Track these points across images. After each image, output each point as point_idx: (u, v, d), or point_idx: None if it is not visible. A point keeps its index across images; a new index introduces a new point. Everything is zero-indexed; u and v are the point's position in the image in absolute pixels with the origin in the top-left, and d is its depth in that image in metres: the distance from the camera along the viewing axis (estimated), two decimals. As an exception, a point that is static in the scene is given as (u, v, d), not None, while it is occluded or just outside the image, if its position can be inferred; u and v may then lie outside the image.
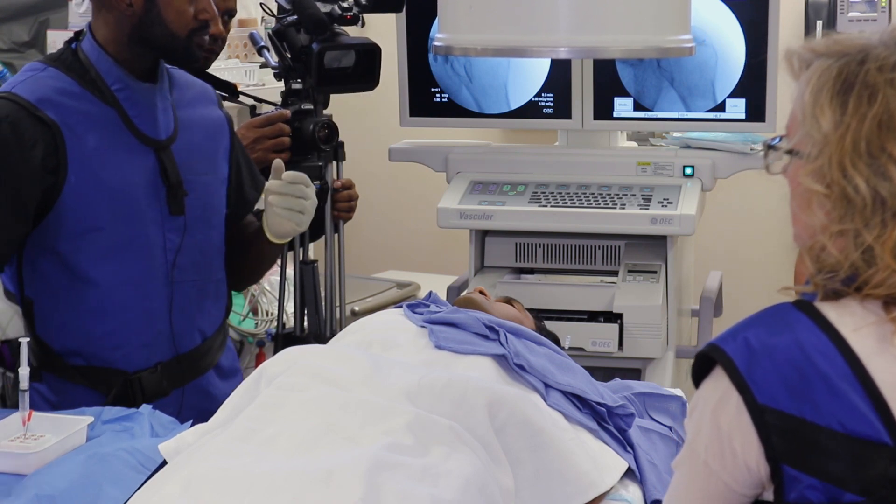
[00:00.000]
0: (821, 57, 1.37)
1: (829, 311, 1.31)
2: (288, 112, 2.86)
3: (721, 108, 3.25)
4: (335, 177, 3.02)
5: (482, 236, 3.31)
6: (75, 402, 2.22)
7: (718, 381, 1.33)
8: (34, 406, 2.25)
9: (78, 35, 2.33)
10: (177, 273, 2.33)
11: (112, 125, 2.26)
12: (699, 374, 1.37)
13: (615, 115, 3.32)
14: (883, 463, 1.25)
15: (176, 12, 2.25)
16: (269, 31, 2.96)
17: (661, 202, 3.10)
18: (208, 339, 2.43)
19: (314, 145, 2.89)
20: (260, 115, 2.81)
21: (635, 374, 3.09)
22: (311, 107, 2.92)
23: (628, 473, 2.00)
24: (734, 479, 1.33)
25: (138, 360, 2.30)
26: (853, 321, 1.30)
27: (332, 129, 2.94)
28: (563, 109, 3.34)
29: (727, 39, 3.21)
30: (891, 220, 1.31)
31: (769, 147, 1.43)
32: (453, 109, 3.41)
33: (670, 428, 2.19)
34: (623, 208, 3.10)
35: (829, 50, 1.37)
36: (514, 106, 3.38)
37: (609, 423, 2.03)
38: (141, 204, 2.28)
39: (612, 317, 3.07)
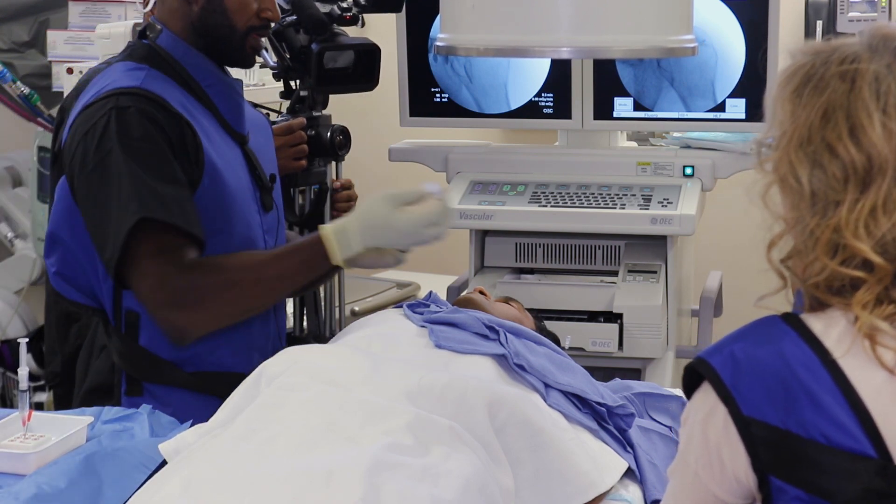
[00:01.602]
0: (805, 55, 1.38)
1: (815, 323, 1.31)
2: (304, 119, 2.87)
3: (721, 108, 3.25)
4: (334, 177, 3.03)
5: (482, 236, 3.31)
6: (189, 409, 2.13)
7: (706, 394, 1.33)
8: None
9: (144, 32, 2.26)
10: None
11: (210, 122, 2.21)
12: (689, 386, 1.37)
13: (615, 115, 3.32)
14: (867, 475, 1.25)
15: (238, 3, 2.21)
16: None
17: (661, 202, 3.10)
18: (289, 337, 2.45)
19: (332, 151, 2.92)
20: (275, 123, 2.81)
21: (635, 374, 3.09)
22: (320, 113, 2.94)
23: (628, 473, 1.99)
24: (723, 489, 1.34)
25: (250, 362, 2.22)
26: (838, 333, 1.30)
27: (347, 134, 2.97)
28: (563, 109, 3.33)
29: (727, 39, 3.21)
30: (832, 208, 1.31)
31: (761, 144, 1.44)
32: (453, 109, 3.41)
33: (670, 428, 2.19)
34: (623, 208, 3.10)
35: (812, 48, 1.38)
36: (514, 106, 3.38)
37: (609, 423, 2.03)
38: (248, 204, 2.23)
39: (612, 317, 3.07)
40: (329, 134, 2.91)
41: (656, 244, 3.17)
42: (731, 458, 1.31)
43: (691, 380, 1.36)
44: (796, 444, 1.27)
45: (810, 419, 1.26)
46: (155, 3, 2.37)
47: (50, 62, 3.95)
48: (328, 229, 2.13)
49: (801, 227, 1.33)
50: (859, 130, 1.30)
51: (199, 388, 2.20)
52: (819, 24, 3.88)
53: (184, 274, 2.10)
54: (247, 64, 2.31)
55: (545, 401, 1.97)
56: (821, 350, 1.29)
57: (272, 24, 2.28)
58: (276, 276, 2.14)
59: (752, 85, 3.21)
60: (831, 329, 1.30)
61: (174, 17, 2.23)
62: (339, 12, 2.86)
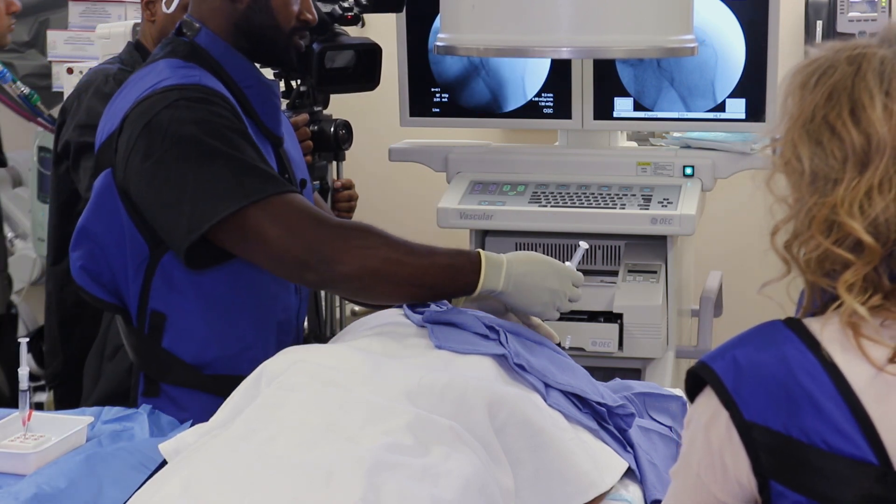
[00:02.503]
0: (822, 49, 1.38)
1: (818, 327, 1.31)
2: (307, 115, 2.88)
3: (721, 108, 3.25)
4: (335, 177, 3.03)
5: (482, 236, 3.31)
6: (206, 412, 2.02)
7: (709, 399, 1.34)
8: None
9: (182, 30, 2.20)
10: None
11: (248, 123, 2.16)
12: (692, 390, 1.37)
13: (615, 115, 3.33)
14: (868, 482, 1.25)
15: (283, 3, 2.17)
16: (269, 31, 2.96)
17: (661, 202, 3.10)
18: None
19: (335, 145, 2.92)
20: None
21: (635, 374, 3.09)
22: (320, 108, 2.95)
23: (628, 473, 1.99)
24: (726, 492, 1.34)
25: None
26: (840, 338, 1.30)
27: (349, 128, 2.98)
28: (563, 109, 3.34)
29: (727, 39, 3.22)
30: (830, 187, 1.31)
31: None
32: (453, 109, 3.42)
33: (670, 428, 2.18)
34: (623, 208, 3.10)
35: (831, 45, 1.38)
36: (514, 106, 3.38)
37: (609, 423, 2.03)
38: None
39: (612, 317, 3.07)
40: (332, 128, 2.92)
41: (656, 244, 3.17)
42: (734, 462, 1.31)
43: (694, 383, 1.36)
44: (797, 449, 1.27)
45: (812, 425, 1.26)
46: (178, 3, 2.34)
47: (50, 62, 3.96)
48: (481, 251, 2.10)
49: (799, 206, 1.34)
50: (860, 110, 1.31)
51: (217, 392, 2.13)
52: (819, 24, 3.87)
53: (332, 222, 2.05)
54: (291, 64, 2.29)
55: (545, 401, 1.97)
56: (823, 356, 1.29)
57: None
58: (426, 265, 2.07)
59: (752, 85, 3.21)
60: (835, 334, 1.30)
61: (216, 15, 2.19)
62: (340, 12, 2.87)
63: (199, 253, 2.08)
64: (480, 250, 2.11)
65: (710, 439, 1.33)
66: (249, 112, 2.19)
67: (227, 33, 2.19)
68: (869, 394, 1.26)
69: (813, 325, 1.32)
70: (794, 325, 1.32)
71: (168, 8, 2.40)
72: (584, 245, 2.24)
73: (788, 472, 1.27)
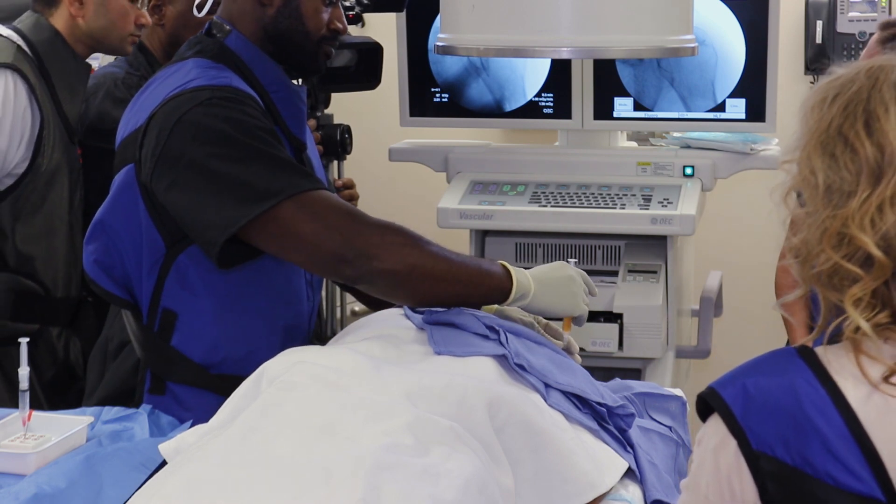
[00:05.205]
0: (847, 69, 1.38)
1: (832, 359, 1.31)
2: (314, 121, 2.89)
3: (721, 108, 3.25)
4: (336, 176, 3.03)
5: (482, 236, 3.31)
6: (211, 412, 1.99)
7: (718, 425, 1.34)
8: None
9: (211, 30, 2.20)
10: (311, 291, 2.29)
11: (276, 129, 2.16)
12: (703, 412, 1.37)
13: (615, 115, 3.33)
14: None
15: (313, 10, 2.17)
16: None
17: (661, 202, 3.10)
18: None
19: (343, 150, 2.94)
20: None
21: (635, 374, 3.09)
22: (321, 113, 2.96)
23: (628, 473, 1.99)
24: None
25: None
26: (852, 371, 1.29)
27: (350, 132, 2.99)
28: (563, 109, 3.34)
29: (727, 39, 3.22)
30: (844, 200, 1.30)
31: None
32: (453, 109, 3.42)
33: (670, 428, 2.18)
34: (623, 208, 3.10)
35: (854, 64, 1.38)
36: (514, 106, 3.38)
37: (609, 423, 2.03)
38: None
39: (612, 317, 3.07)
40: (339, 133, 2.94)
41: (656, 244, 3.17)
42: (741, 489, 1.31)
43: (705, 406, 1.36)
44: (804, 481, 1.27)
45: (819, 459, 1.26)
46: (212, 5, 2.33)
47: (50, 62, 3.94)
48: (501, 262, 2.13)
49: (813, 219, 1.33)
50: (874, 122, 1.30)
51: (222, 392, 2.09)
52: (819, 24, 3.88)
53: (367, 219, 2.06)
54: (318, 72, 2.28)
55: (545, 401, 1.97)
56: (834, 390, 1.28)
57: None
58: (462, 261, 2.10)
59: (752, 85, 3.21)
60: (847, 365, 1.29)
61: (245, 18, 2.19)
62: (342, 10, 2.87)
63: (227, 251, 2.07)
64: (501, 261, 2.14)
65: (719, 464, 1.33)
66: (275, 117, 2.18)
67: (256, 37, 2.19)
68: (868, 414, 1.26)
69: (826, 356, 1.31)
70: (807, 357, 1.32)
71: (200, 12, 2.39)
72: (572, 261, 2.27)
73: (795, 502, 1.27)
